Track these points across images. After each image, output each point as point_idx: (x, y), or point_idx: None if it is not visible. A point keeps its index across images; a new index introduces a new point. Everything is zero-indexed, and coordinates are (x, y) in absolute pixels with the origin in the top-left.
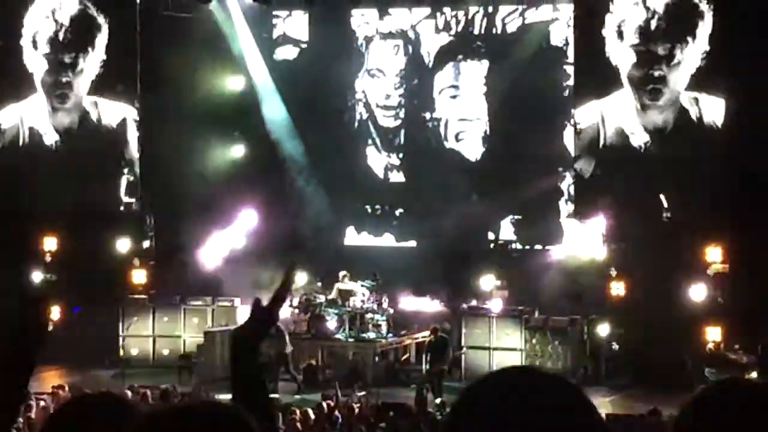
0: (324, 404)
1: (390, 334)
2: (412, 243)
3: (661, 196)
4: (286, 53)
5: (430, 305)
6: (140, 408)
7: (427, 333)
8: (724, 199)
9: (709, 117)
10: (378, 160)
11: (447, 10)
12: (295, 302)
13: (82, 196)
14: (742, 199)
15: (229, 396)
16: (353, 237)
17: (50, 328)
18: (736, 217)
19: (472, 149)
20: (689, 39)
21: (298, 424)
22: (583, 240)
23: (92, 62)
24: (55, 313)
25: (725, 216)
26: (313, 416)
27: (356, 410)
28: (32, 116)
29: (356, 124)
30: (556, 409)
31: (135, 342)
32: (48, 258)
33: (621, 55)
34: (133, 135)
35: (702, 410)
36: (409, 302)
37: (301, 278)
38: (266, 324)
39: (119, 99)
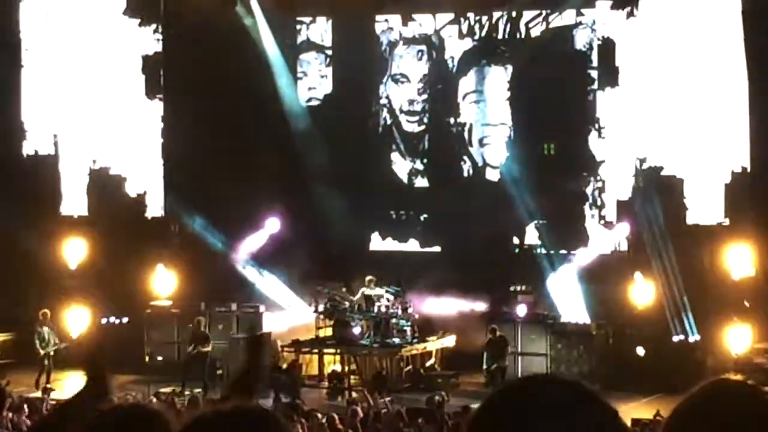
0: (351, 409)
1: (415, 340)
2: (437, 248)
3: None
4: (310, 59)
5: (455, 309)
6: (168, 417)
7: (453, 337)
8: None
9: None
10: (402, 166)
11: (471, 15)
12: (320, 308)
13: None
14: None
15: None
16: (378, 242)
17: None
18: (762, 219)
19: (497, 154)
20: None
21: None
22: (608, 245)
23: None
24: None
25: (749, 218)
26: (338, 421)
27: (381, 416)
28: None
29: (380, 129)
30: (576, 419)
31: (160, 348)
32: (73, 265)
33: None
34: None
35: (690, 412)
36: (434, 307)
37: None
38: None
39: None
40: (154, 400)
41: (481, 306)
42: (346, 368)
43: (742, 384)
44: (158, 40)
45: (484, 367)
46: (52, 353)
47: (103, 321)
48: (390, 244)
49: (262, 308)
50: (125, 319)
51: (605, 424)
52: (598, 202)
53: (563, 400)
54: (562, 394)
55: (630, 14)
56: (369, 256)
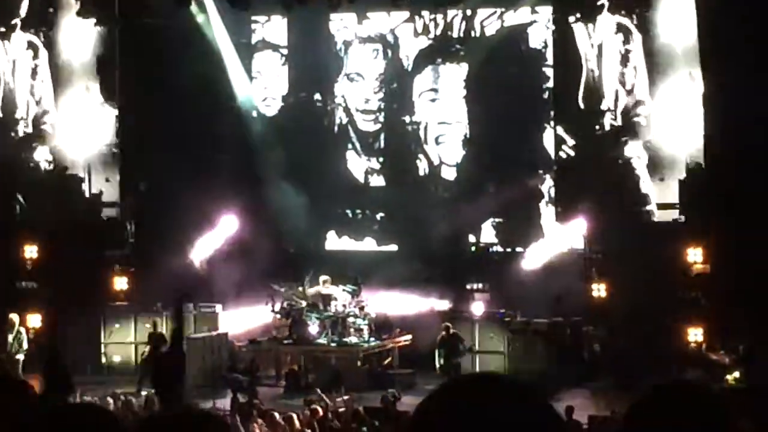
0: (308, 409)
1: (372, 339)
2: (393, 247)
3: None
4: (266, 58)
5: (413, 308)
6: (123, 417)
7: (409, 336)
8: (704, 198)
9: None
10: (358, 164)
11: (426, 13)
12: (277, 307)
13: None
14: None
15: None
16: (334, 241)
17: None
18: (718, 216)
19: (452, 152)
20: None
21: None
22: (564, 242)
23: None
24: (37, 321)
25: (706, 215)
26: (296, 420)
27: (338, 415)
28: None
29: (336, 128)
30: (514, 415)
31: (117, 349)
32: (29, 266)
33: None
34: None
35: (644, 411)
36: (391, 306)
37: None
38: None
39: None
40: (111, 400)
41: (437, 304)
42: (303, 367)
43: (694, 384)
44: (113, 41)
45: (437, 365)
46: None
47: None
48: (346, 243)
49: (218, 308)
50: (81, 321)
51: (539, 420)
52: (554, 200)
53: (496, 397)
54: (496, 391)
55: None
56: (325, 255)
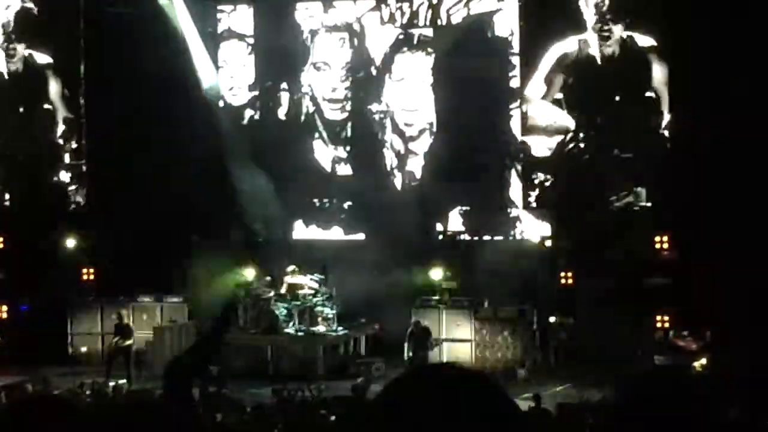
0: (276, 398)
1: (340, 328)
2: (361, 236)
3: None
4: (232, 48)
5: (380, 297)
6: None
7: (377, 324)
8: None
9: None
10: (325, 153)
11: (392, 2)
12: (245, 297)
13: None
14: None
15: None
16: (301, 231)
17: None
18: (685, 204)
19: (419, 141)
20: None
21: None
22: (531, 230)
23: None
24: (2, 312)
25: (674, 203)
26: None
27: (307, 404)
28: None
29: (303, 117)
30: (470, 404)
31: (83, 340)
32: None
33: None
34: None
35: (621, 398)
36: (359, 294)
37: (249, 273)
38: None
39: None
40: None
41: (405, 293)
42: (272, 357)
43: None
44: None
45: (406, 357)
46: None
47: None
48: (314, 232)
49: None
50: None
51: (495, 411)
52: (521, 187)
53: (453, 386)
54: (450, 382)
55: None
56: (293, 244)
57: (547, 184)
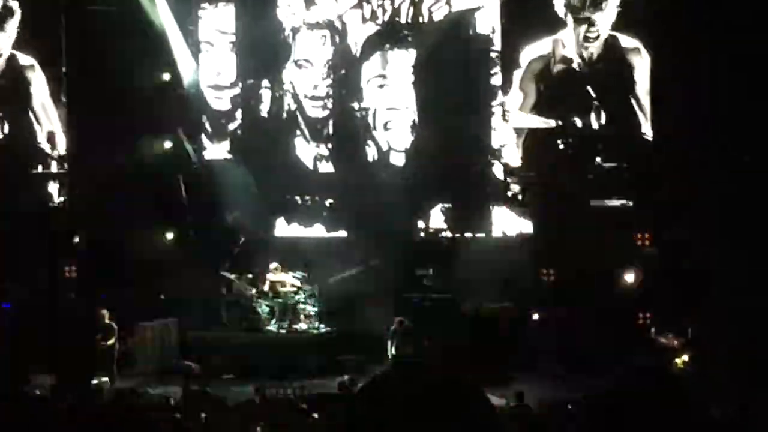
0: (259, 397)
1: (322, 325)
2: (343, 233)
3: None
4: (213, 45)
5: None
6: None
7: (360, 321)
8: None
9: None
10: (307, 151)
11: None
12: (226, 295)
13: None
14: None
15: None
16: (283, 228)
17: None
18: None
19: (401, 138)
20: None
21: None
22: (514, 226)
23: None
24: None
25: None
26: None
27: (290, 401)
28: None
29: (284, 115)
30: (446, 402)
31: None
32: None
33: None
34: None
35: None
36: (340, 291)
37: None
38: None
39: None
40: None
41: (387, 290)
42: (255, 355)
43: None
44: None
45: (389, 355)
46: None
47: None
48: (295, 230)
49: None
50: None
51: (470, 409)
52: (503, 184)
53: (427, 388)
54: (427, 381)
55: None
56: (275, 242)
57: (530, 180)
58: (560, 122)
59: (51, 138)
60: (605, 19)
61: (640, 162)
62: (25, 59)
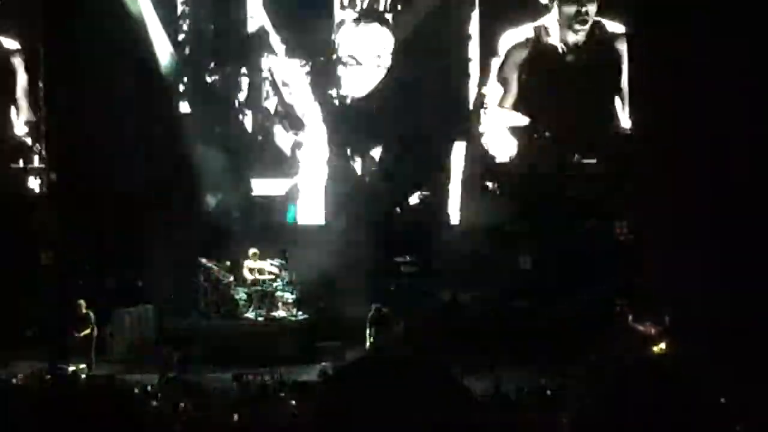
0: (238, 384)
1: (300, 312)
2: (321, 220)
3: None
4: (191, 30)
5: (340, 281)
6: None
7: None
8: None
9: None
10: (285, 138)
11: None
12: (204, 282)
13: None
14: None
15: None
16: (261, 214)
17: None
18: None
19: (379, 125)
20: None
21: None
22: (492, 215)
23: None
24: None
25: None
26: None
27: (268, 388)
28: None
29: (263, 101)
30: (420, 389)
31: None
32: None
33: None
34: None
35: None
36: (319, 278)
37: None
38: None
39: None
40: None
41: (365, 277)
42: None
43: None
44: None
45: (367, 343)
46: None
47: None
48: (273, 217)
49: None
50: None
51: (447, 396)
52: (481, 173)
53: (403, 375)
54: (403, 368)
55: None
56: (252, 229)
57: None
58: (541, 113)
59: (31, 129)
60: (593, 1)
61: (619, 154)
62: (9, 43)
